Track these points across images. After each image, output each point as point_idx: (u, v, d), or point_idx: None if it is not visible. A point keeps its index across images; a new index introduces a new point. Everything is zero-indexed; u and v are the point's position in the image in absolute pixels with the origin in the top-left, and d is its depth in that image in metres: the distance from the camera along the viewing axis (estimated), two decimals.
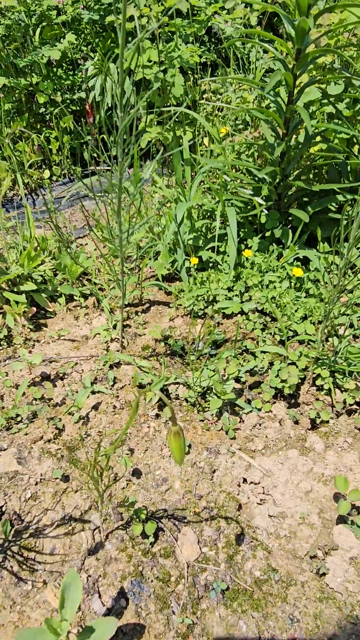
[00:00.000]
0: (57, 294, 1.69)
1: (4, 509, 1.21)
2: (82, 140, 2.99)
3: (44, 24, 2.84)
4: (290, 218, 1.69)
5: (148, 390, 0.77)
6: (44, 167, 2.96)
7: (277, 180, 1.52)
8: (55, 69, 2.83)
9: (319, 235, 1.66)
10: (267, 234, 1.64)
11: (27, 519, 1.21)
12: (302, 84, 1.46)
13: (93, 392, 1.44)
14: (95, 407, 1.41)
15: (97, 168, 3.05)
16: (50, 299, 1.68)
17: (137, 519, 1.16)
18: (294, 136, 1.57)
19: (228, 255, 1.57)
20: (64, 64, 2.89)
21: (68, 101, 2.85)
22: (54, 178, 2.95)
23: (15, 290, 1.57)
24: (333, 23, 1.74)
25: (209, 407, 1.38)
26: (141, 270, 1.58)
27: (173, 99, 2.04)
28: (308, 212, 1.54)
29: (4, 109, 2.79)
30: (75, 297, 1.67)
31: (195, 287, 1.55)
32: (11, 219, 2.44)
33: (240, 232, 1.67)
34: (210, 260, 1.61)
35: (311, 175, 1.71)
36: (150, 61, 2.25)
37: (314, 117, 1.67)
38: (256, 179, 1.63)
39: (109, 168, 3.20)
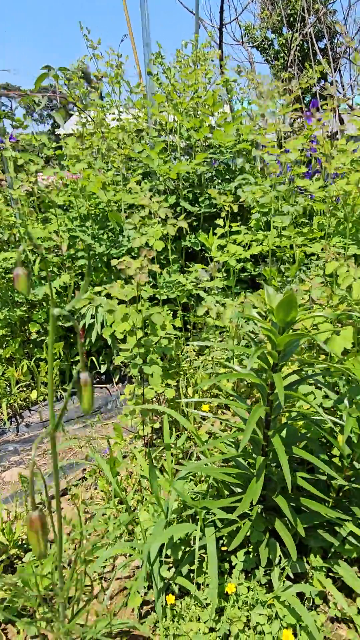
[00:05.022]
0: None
1: None
2: (72, 360, 3.06)
3: (42, 257, 3.11)
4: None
5: None
6: (32, 385, 2.98)
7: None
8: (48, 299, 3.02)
9: (311, 543, 1.52)
10: (251, 547, 1.51)
11: None
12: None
13: None
14: None
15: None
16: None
17: None
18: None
19: (208, 586, 1.42)
20: (58, 292, 3.09)
21: (60, 328, 2.97)
22: (41, 398, 2.94)
23: None
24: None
25: None
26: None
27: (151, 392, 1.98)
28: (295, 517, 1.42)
29: None
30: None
31: (172, 625, 1.36)
32: None
33: (224, 538, 1.54)
34: (190, 594, 1.44)
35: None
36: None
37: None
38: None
39: (97, 385, 3.24)
